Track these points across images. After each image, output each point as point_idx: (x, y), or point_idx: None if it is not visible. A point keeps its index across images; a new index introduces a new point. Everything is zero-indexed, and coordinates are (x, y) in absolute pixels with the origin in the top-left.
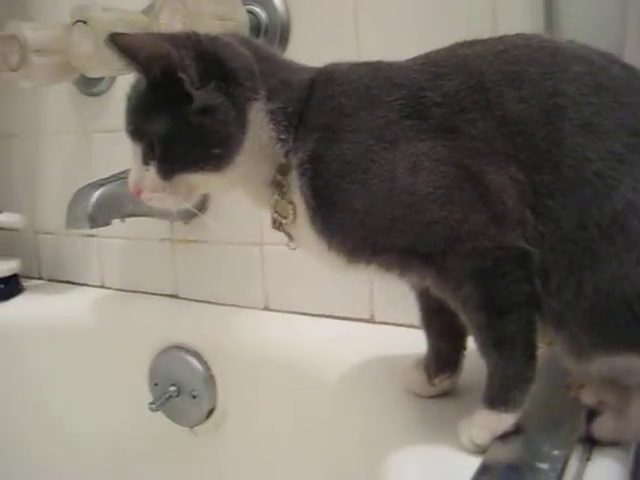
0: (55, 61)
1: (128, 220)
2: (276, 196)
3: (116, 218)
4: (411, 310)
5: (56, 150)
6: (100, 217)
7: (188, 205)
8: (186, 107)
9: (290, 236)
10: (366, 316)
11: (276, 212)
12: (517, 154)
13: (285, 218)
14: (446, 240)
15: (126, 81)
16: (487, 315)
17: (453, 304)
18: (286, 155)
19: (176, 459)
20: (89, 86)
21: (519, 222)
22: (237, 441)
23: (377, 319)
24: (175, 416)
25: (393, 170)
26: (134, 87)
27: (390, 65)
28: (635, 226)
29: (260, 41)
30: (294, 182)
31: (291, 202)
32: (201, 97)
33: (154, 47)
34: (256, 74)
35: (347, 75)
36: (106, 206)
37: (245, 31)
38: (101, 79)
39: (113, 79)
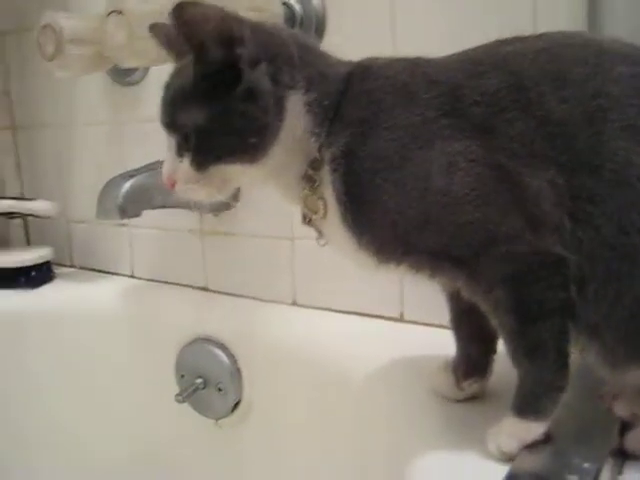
0: (90, 51)
1: (158, 211)
2: (307, 191)
3: (146, 209)
4: (441, 310)
5: (89, 140)
6: (130, 208)
7: (221, 198)
8: (230, 92)
9: (320, 232)
10: (395, 315)
11: (306, 207)
12: (557, 156)
13: (315, 213)
14: (480, 243)
15: (160, 72)
16: (518, 320)
17: (484, 307)
18: (319, 149)
19: (200, 451)
20: (123, 76)
21: (556, 227)
22: (261, 435)
23: (407, 318)
24: (201, 408)
25: (428, 169)
26: (172, 77)
27: (428, 62)
28: None
29: (298, 30)
30: (326, 177)
31: (322, 197)
32: (250, 78)
33: (220, 19)
34: (296, 63)
35: (385, 70)
36: (136, 197)
37: (280, 21)
38: (135, 70)
39: (147, 70)
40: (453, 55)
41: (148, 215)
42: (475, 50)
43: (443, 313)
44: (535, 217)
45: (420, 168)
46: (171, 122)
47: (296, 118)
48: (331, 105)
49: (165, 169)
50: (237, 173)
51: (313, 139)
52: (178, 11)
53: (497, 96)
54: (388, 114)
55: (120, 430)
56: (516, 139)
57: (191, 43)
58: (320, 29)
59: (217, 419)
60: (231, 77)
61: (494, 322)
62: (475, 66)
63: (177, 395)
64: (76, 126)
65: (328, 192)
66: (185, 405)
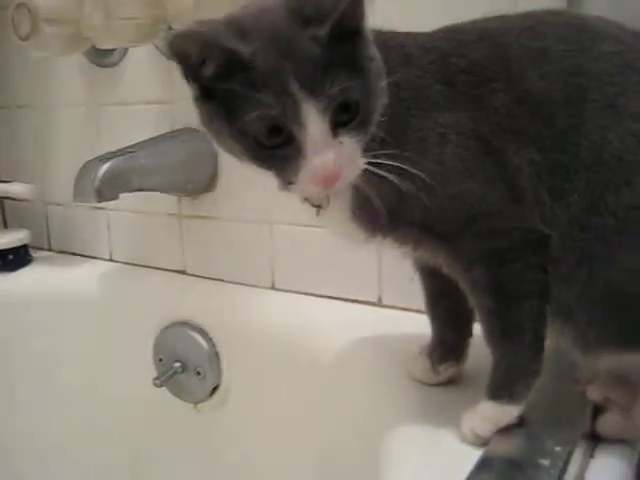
0: (66, 31)
1: (137, 194)
2: None
3: (124, 192)
4: (419, 295)
5: (67, 121)
6: (107, 191)
7: None
8: (357, 44)
9: (319, 206)
10: (373, 299)
11: None
12: (536, 132)
13: None
14: (464, 217)
15: (138, 53)
16: (496, 301)
17: (463, 285)
18: None
19: (179, 435)
20: (101, 57)
21: (536, 203)
22: (240, 419)
23: (385, 302)
24: (179, 392)
25: (425, 138)
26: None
27: (417, 33)
28: None
29: None
30: None
31: None
32: (366, 26)
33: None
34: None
35: (382, 34)
36: (114, 180)
37: None
38: (113, 51)
39: (125, 51)
40: (440, 28)
41: (126, 198)
42: (461, 24)
43: (421, 298)
44: (517, 192)
45: (419, 135)
46: (330, 97)
47: None
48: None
49: (330, 160)
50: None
51: None
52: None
53: (482, 66)
54: (394, 71)
55: (97, 414)
56: (500, 112)
57: None
58: None
59: (196, 403)
60: (355, 28)
61: (472, 301)
62: (461, 36)
63: (155, 379)
64: (53, 107)
65: None
66: (163, 389)
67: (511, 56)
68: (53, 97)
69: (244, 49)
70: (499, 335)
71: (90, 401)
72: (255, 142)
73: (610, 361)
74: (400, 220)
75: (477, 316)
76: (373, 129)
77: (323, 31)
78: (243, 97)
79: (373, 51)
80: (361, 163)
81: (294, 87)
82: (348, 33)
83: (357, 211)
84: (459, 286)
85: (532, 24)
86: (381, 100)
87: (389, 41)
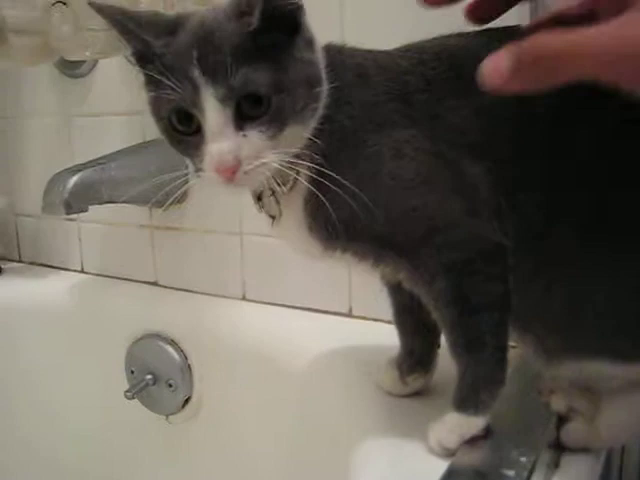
0: (34, 42)
1: (108, 206)
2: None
3: (93, 204)
4: (389, 305)
5: (37, 133)
6: (76, 203)
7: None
8: (291, 42)
9: (273, 216)
10: (344, 310)
11: (275, 180)
12: (493, 146)
13: (283, 185)
14: (422, 230)
15: (108, 64)
16: (458, 313)
17: (425, 299)
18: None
19: (151, 447)
20: (70, 68)
21: (494, 214)
22: (212, 430)
23: (355, 313)
24: (151, 404)
25: (379, 153)
26: (211, 32)
27: (375, 50)
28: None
29: None
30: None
31: (298, 172)
32: (308, 27)
33: None
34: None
35: (342, 51)
36: (83, 192)
37: None
38: (82, 62)
39: (94, 62)
40: (401, 46)
41: (98, 210)
42: (419, 42)
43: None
44: (474, 204)
45: (372, 151)
46: (231, 86)
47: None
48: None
49: (225, 149)
50: (303, 131)
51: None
52: None
53: (439, 85)
54: (348, 90)
55: (69, 427)
56: (457, 127)
57: None
58: None
59: (167, 415)
60: (290, 26)
61: (434, 315)
62: (420, 54)
63: (127, 391)
64: (23, 118)
65: (303, 171)
66: (135, 401)
67: (467, 74)
68: (23, 108)
69: (156, 41)
70: (462, 346)
71: (61, 414)
72: (170, 127)
73: (571, 369)
74: (357, 234)
75: (440, 327)
76: (313, 141)
77: (249, 22)
78: (158, 82)
79: (310, 55)
80: (272, 163)
81: (195, 73)
82: (282, 30)
83: (312, 223)
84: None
85: (489, 40)
86: (310, 105)
87: (348, 59)
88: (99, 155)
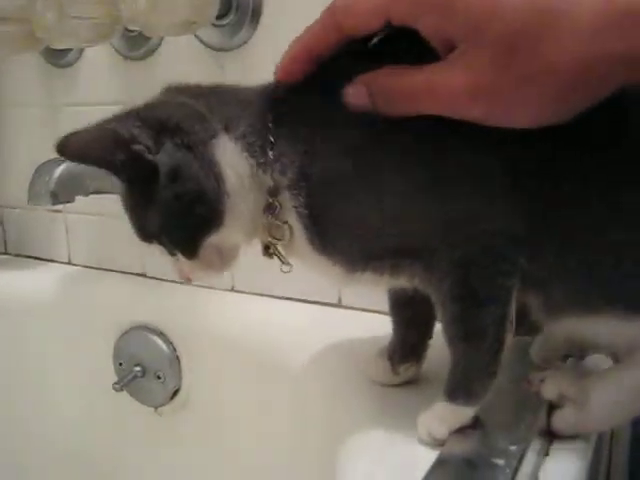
0: (18, 30)
1: (95, 196)
2: (270, 218)
3: (79, 195)
4: (378, 296)
5: (22, 123)
6: (63, 193)
7: (232, 265)
8: (157, 186)
9: (284, 260)
10: (334, 300)
11: (271, 235)
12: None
13: (281, 240)
14: (440, 230)
15: (95, 53)
16: (464, 306)
17: (434, 297)
18: (272, 176)
19: (140, 439)
20: (56, 57)
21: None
22: (201, 422)
23: (344, 303)
24: (139, 396)
25: (380, 171)
26: (123, 197)
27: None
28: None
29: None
30: (286, 203)
31: (286, 222)
32: (162, 161)
33: (101, 138)
34: (203, 114)
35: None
36: (69, 182)
37: (215, 7)
38: (69, 50)
39: (81, 51)
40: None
41: (84, 201)
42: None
43: (380, 299)
44: (487, 197)
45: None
46: (145, 236)
47: (234, 160)
48: (264, 130)
49: (176, 271)
50: (221, 240)
51: (261, 170)
52: (62, 151)
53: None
54: (329, 130)
55: (57, 419)
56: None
57: (98, 166)
58: (257, 13)
59: (156, 407)
60: (149, 172)
61: (439, 308)
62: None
63: (115, 383)
64: (8, 108)
65: (292, 217)
66: (124, 393)
67: None
68: (7, 97)
69: None
70: (462, 337)
71: (49, 406)
72: None
73: (571, 325)
74: (372, 252)
75: (441, 319)
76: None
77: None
78: None
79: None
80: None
81: None
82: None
83: (327, 257)
84: (424, 293)
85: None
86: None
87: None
88: None
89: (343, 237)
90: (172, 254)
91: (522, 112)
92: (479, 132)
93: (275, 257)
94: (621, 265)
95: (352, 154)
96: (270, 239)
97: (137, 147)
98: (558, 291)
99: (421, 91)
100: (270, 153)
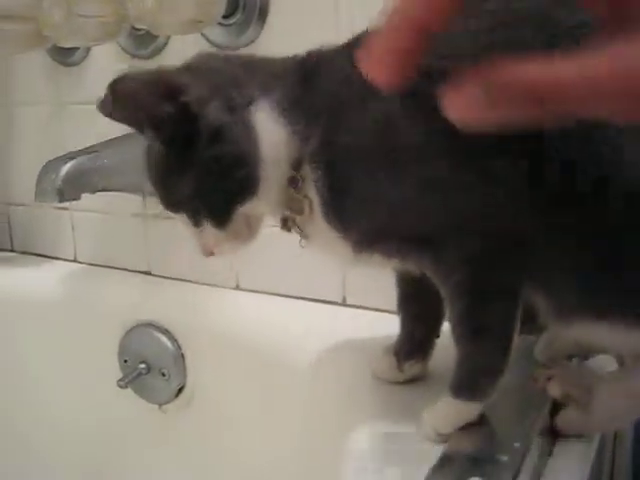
0: (25, 28)
1: (101, 194)
2: (291, 191)
3: (86, 192)
4: (383, 294)
5: (29, 121)
6: (69, 191)
7: (255, 237)
8: (199, 145)
9: (303, 233)
10: (338, 299)
11: (290, 209)
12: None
13: (300, 214)
14: (451, 223)
15: (102, 51)
16: (472, 301)
17: (443, 290)
18: (299, 147)
19: (144, 436)
20: (63, 56)
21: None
22: (205, 420)
23: (349, 302)
24: (144, 393)
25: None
26: (153, 161)
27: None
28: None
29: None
30: (308, 175)
31: (306, 196)
32: (207, 121)
33: (155, 82)
34: (241, 80)
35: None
36: (76, 180)
37: (222, 6)
38: (75, 49)
39: (88, 49)
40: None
41: (91, 199)
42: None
43: (384, 297)
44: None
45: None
46: (172, 204)
47: (270, 127)
48: (296, 100)
49: (199, 245)
50: (252, 210)
51: (293, 138)
52: (114, 89)
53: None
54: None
55: (62, 416)
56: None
57: (142, 117)
58: (264, 10)
59: (161, 404)
60: (191, 131)
61: (448, 304)
62: None
63: (119, 380)
64: (14, 106)
65: (311, 191)
66: (128, 390)
67: None
68: (15, 95)
69: None
70: (470, 333)
71: (53, 403)
72: None
73: (581, 330)
74: (383, 235)
75: (449, 316)
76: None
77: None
78: None
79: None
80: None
81: None
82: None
83: (340, 234)
84: (433, 287)
85: None
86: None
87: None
88: (92, 143)
89: (358, 213)
90: (197, 225)
91: None
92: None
93: (294, 230)
94: (633, 269)
95: (378, 131)
96: (289, 213)
97: (186, 99)
98: (569, 295)
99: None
100: (302, 121)
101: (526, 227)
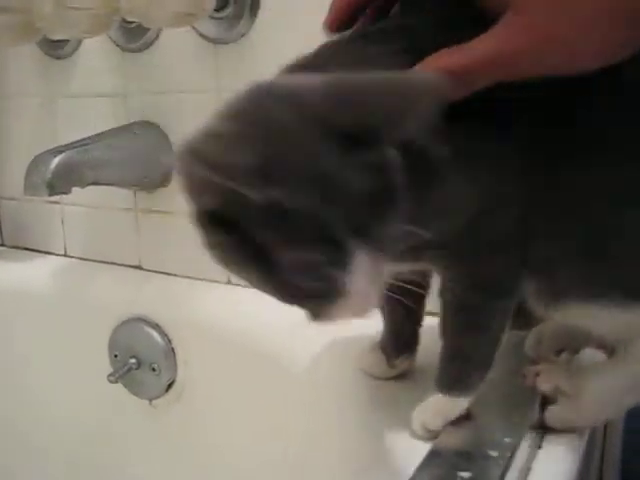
0: (15, 21)
1: (92, 188)
2: None
3: (76, 186)
4: None
5: (19, 114)
6: (59, 185)
7: None
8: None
9: None
10: None
11: None
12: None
13: None
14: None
15: (92, 44)
16: (474, 296)
17: (443, 282)
18: None
19: (134, 431)
20: (54, 48)
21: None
22: (195, 414)
23: None
24: (134, 388)
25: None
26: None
27: None
28: None
29: None
30: None
31: None
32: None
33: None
34: None
35: None
36: (66, 174)
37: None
38: (66, 42)
39: (78, 42)
40: None
41: (81, 193)
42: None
43: None
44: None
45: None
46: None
47: None
48: None
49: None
50: None
51: None
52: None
53: None
54: None
55: (51, 410)
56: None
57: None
58: (255, 5)
59: (151, 399)
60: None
61: (443, 301)
62: None
63: (110, 375)
64: (4, 99)
65: None
66: (118, 385)
67: None
68: (5, 88)
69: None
70: (463, 328)
71: (43, 397)
72: None
73: (572, 313)
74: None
75: (442, 309)
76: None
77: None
78: None
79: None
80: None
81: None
82: None
83: None
84: (415, 280)
85: None
86: None
87: None
88: (82, 137)
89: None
90: None
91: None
92: (496, 119)
93: None
94: (622, 249)
95: None
96: None
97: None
98: (559, 276)
99: (491, 60)
100: None
101: (527, 214)
